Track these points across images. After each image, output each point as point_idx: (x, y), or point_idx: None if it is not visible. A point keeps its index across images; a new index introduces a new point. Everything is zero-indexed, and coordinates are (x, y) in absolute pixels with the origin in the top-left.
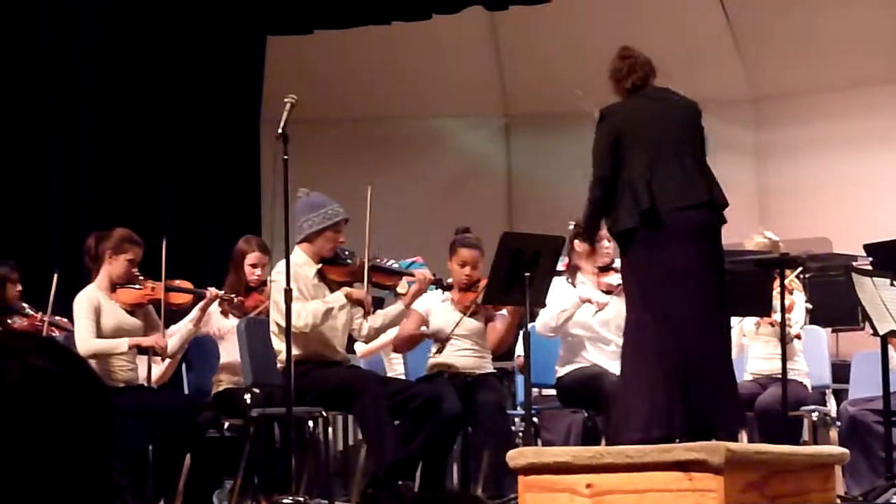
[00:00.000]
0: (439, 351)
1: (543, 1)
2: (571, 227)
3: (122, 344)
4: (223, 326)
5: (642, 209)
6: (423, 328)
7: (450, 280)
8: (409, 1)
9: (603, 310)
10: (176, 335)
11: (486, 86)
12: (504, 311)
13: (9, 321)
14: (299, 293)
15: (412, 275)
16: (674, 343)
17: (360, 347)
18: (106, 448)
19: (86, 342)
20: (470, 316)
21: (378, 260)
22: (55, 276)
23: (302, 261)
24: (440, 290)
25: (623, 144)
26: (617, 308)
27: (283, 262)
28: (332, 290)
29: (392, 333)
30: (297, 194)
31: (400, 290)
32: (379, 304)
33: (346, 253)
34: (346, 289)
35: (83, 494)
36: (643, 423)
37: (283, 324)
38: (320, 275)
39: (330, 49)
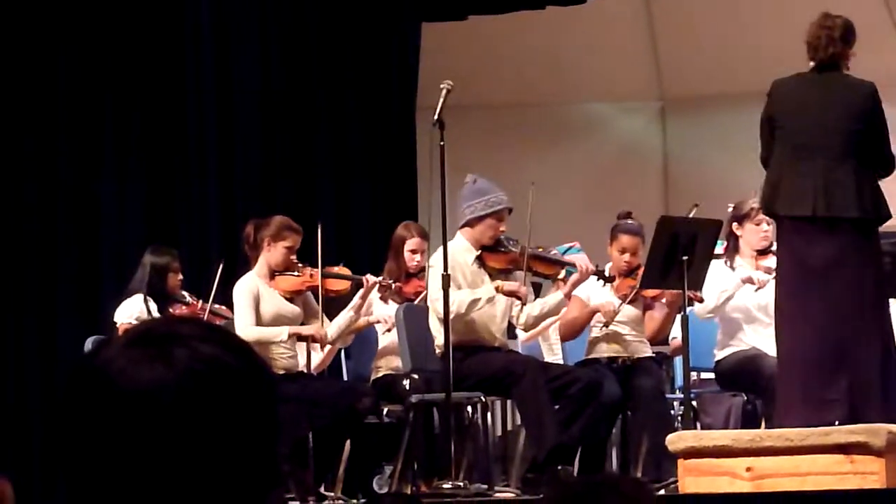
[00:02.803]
0: (606, 325)
1: None
2: (730, 209)
3: (283, 332)
4: (391, 316)
5: (763, 205)
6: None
7: (610, 271)
8: None
9: (763, 287)
10: (336, 322)
11: (642, 69)
12: (663, 300)
13: (170, 309)
14: (454, 279)
15: (572, 264)
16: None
17: (521, 333)
18: (272, 434)
19: (246, 329)
20: (629, 303)
21: (539, 249)
22: (220, 264)
23: (462, 246)
24: (601, 282)
25: (775, 126)
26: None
27: (441, 249)
28: (491, 277)
29: (552, 318)
30: (465, 179)
31: (559, 277)
32: (536, 290)
33: (509, 241)
34: (497, 282)
35: (250, 480)
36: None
37: (440, 310)
38: (479, 261)
39: (485, 35)
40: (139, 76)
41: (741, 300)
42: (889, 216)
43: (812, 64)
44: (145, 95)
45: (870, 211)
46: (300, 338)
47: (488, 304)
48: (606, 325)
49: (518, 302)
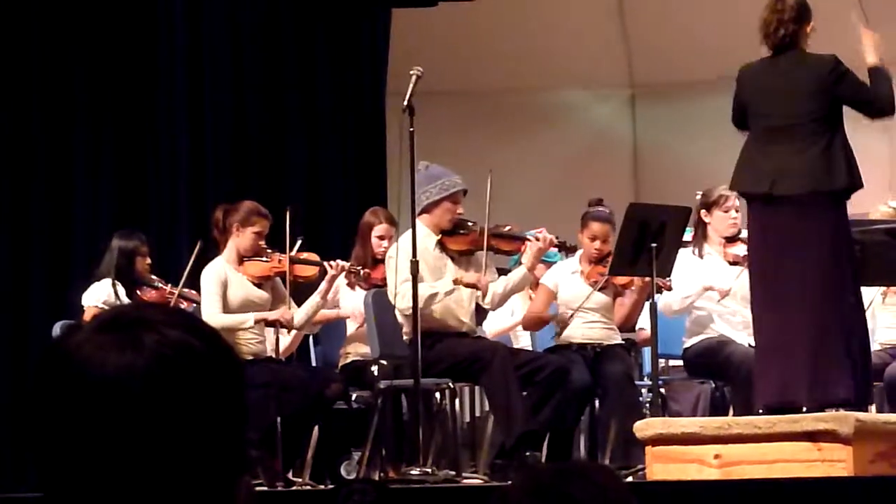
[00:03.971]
0: (558, 334)
1: None
2: (699, 196)
3: (249, 319)
4: (356, 308)
5: (733, 184)
6: (550, 312)
7: (580, 258)
8: None
9: (725, 297)
10: (303, 307)
11: (612, 57)
12: (633, 288)
13: (138, 293)
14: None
15: (532, 239)
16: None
17: (489, 328)
18: (240, 420)
19: (212, 317)
20: (599, 290)
21: (499, 227)
22: (198, 246)
23: (423, 233)
24: (563, 254)
25: (747, 113)
26: (743, 279)
27: (402, 238)
28: (454, 261)
29: (518, 318)
30: (416, 167)
31: (524, 259)
32: (503, 274)
33: (469, 223)
34: (456, 275)
35: (218, 465)
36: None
37: (398, 304)
38: (441, 245)
39: (455, 21)
40: (111, 59)
41: (708, 301)
42: (853, 186)
43: (769, 49)
44: (116, 79)
45: (823, 183)
46: (268, 323)
47: (447, 296)
48: (559, 334)
49: (489, 279)
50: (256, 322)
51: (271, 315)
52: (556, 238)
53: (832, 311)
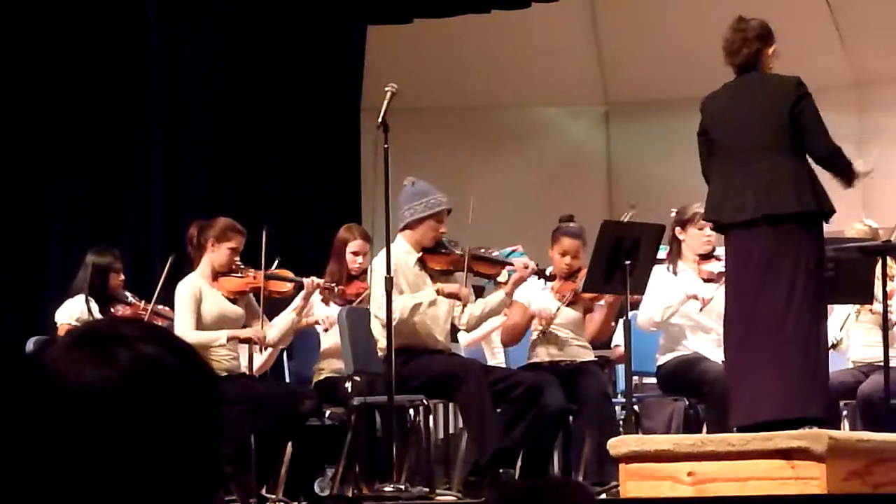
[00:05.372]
0: (544, 331)
1: None
2: (673, 213)
3: (221, 336)
4: (330, 316)
5: (709, 217)
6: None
7: (551, 270)
8: None
9: (708, 304)
10: (277, 324)
11: (586, 74)
12: (602, 302)
13: (112, 310)
14: (396, 283)
15: (513, 264)
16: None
17: (463, 338)
18: (215, 436)
19: (185, 334)
20: (568, 305)
21: (480, 249)
22: (170, 260)
23: (403, 249)
24: (542, 280)
25: (710, 140)
26: (718, 296)
27: (383, 253)
28: (433, 279)
29: (494, 323)
30: (403, 182)
31: (501, 279)
32: (479, 293)
33: (450, 242)
34: (438, 285)
35: (193, 482)
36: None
37: (383, 317)
38: (421, 263)
39: (430, 38)
40: (85, 75)
41: (684, 306)
42: (832, 211)
43: (733, 69)
44: (92, 97)
45: (810, 203)
46: (241, 340)
47: (430, 307)
48: (543, 331)
49: (460, 303)
50: (229, 339)
51: (244, 333)
52: (536, 265)
53: (810, 331)
